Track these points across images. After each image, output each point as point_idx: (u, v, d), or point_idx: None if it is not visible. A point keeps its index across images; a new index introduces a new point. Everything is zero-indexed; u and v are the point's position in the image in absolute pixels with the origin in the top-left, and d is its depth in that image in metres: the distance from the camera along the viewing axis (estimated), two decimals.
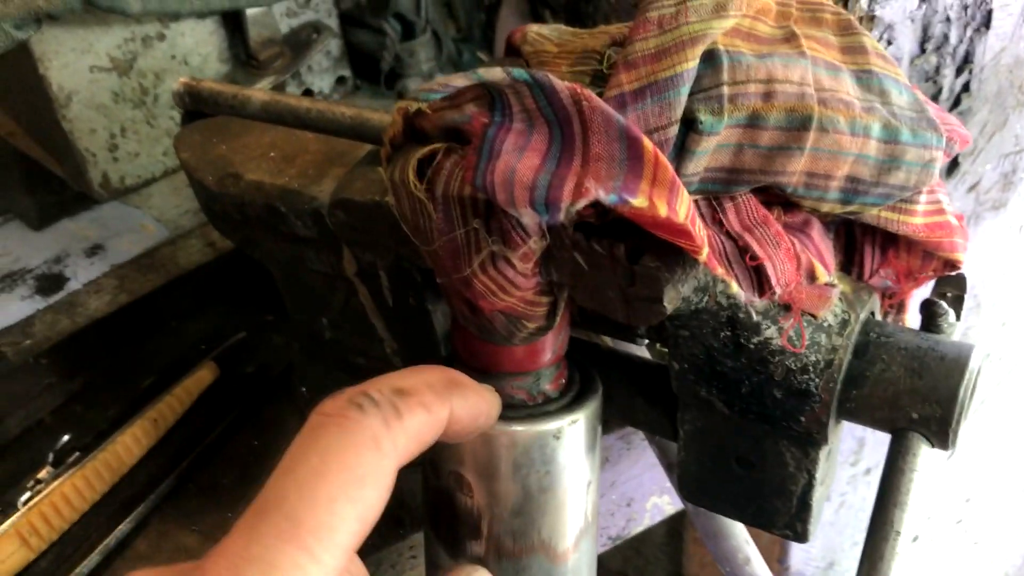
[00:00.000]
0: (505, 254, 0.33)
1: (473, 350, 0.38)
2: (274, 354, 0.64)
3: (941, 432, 0.36)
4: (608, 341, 0.48)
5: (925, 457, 0.36)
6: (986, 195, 0.66)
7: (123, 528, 0.53)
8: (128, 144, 0.63)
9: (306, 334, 0.53)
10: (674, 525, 0.97)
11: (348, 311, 0.50)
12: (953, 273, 0.39)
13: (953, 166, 0.63)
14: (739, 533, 0.55)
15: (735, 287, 0.32)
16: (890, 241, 0.38)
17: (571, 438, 0.38)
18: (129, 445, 0.56)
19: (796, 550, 0.79)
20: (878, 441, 0.79)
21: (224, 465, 0.58)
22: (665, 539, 1.00)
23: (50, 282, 0.58)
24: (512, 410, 0.38)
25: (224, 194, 0.48)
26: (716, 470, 0.43)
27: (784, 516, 0.42)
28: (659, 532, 1.01)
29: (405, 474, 0.52)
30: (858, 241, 0.38)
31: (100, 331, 0.59)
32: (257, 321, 0.66)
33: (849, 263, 0.39)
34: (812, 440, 0.38)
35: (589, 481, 0.40)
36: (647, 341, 0.45)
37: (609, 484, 0.60)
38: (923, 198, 0.36)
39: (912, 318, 0.40)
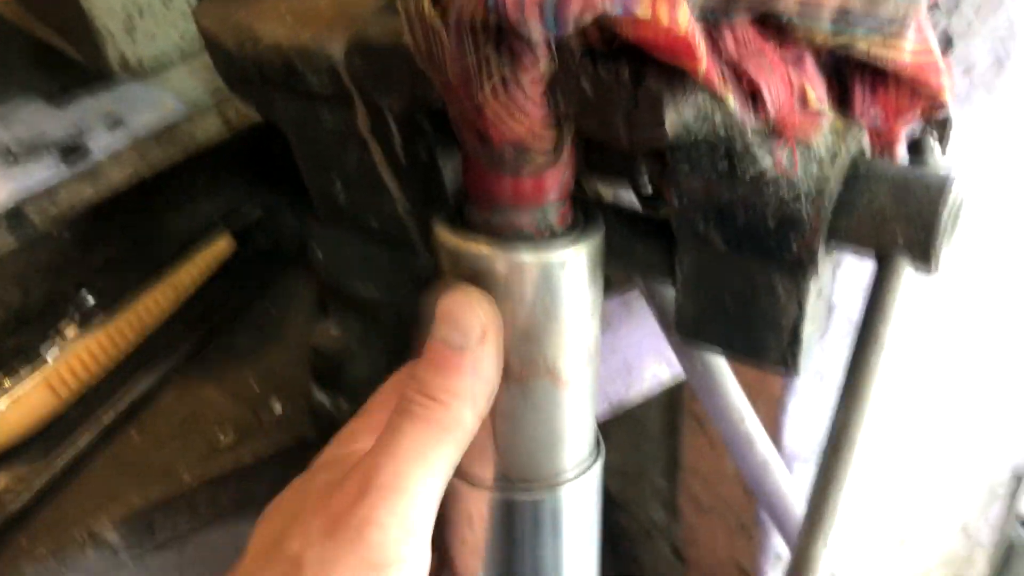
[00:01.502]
0: (515, 78, 0.35)
1: (484, 185, 0.41)
2: (289, 232, 0.66)
3: (924, 254, 0.38)
4: (608, 195, 0.50)
5: (908, 279, 0.39)
6: (980, 77, 0.68)
7: (147, 382, 0.56)
8: (145, 25, 0.65)
9: (321, 198, 0.55)
10: (671, 418, 1.01)
11: (361, 171, 0.52)
12: (940, 115, 0.41)
13: (947, 46, 0.64)
14: (734, 390, 0.58)
15: (731, 102, 0.34)
16: (879, 80, 0.40)
17: (575, 268, 0.41)
18: (150, 308, 0.58)
19: (788, 430, 0.82)
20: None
21: (242, 330, 0.60)
22: (661, 432, 1.03)
23: (73, 152, 0.60)
24: (521, 242, 0.41)
25: (244, 57, 0.50)
26: (712, 308, 0.45)
27: (777, 350, 0.45)
28: (655, 428, 1.04)
29: (415, 329, 0.55)
30: (849, 80, 0.40)
31: (122, 203, 0.61)
32: (272, 202, 0.68)
33: (840, 103, 0.41)
34: (803, 269, 0.41)
35: (592, 313, 0.43)
36: (649, 190, 0.47)
37: (610, 350, 0.63)
38: (911, 35, 0.38)
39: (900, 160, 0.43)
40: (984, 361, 0.96)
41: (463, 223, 0.42)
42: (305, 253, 0.65)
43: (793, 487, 0.61)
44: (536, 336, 0.41)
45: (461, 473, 0.44)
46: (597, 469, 0.46)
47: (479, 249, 0.40)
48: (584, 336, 0.42)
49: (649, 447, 1.06)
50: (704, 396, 0.58)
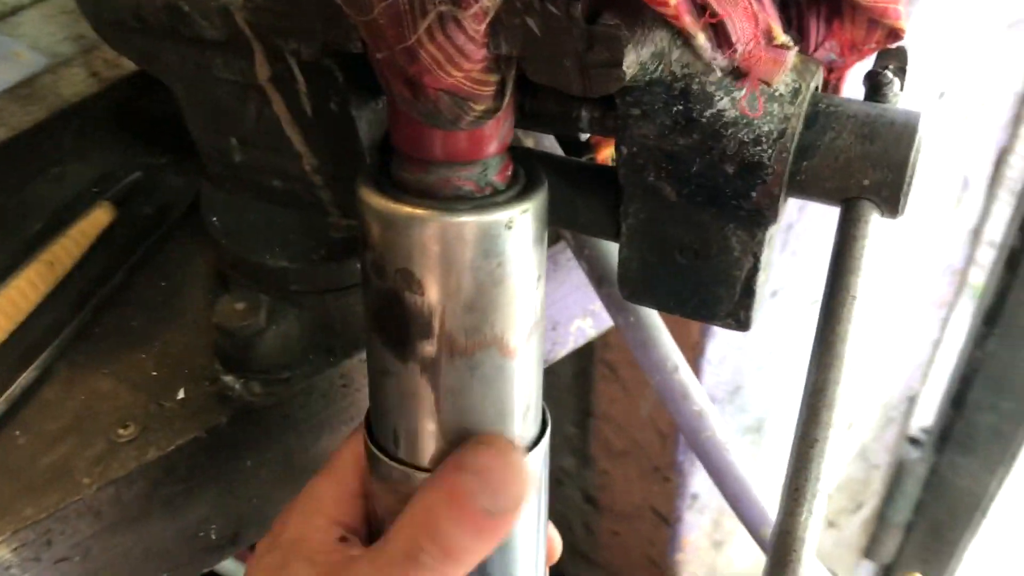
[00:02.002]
0: (455, 14, 0.30)
1: (416, 139, 0.36)
2: (174, 195, 0.60)
3: (892, 197, 0.36)
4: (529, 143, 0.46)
5: (875, 224, 0.36)
6: None
7: (28, 375, 0.49)
8: None
9: (215, 158, 0.49)
10: (582, 365, 0.99)
11: (261, 126, 0.46)
12: (895, 45, 0.39)
13: None
14: (667, 342, 0.56)
15: (702, 40, 0.31)
16: (835, 12, 0.38)
17: (522, 228, 0.37)
18: (25, 290, 0.52)
19: (707, 374, 0.81)
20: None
21: (132, 307, 0.54)
22: (572, 380, 1.02)
23: None
24: (461, 202, 0.36)
25: None
26: (659, 264, 0.42)
27: (727, 304, 0.43)
28: (567, 374, 1.02)
29: (332, 300, 0.50)
30: (804, 13, 0.38)
31: None
32: (152, 163, 0.62)
33: (795, 38, 0.38)
34: (761, 219, 0.38)
35: (539, 276, 0.39)
36: (586, 137, 0.43)
37: None
38: None
39: (851, 95, 0.40)
40: (880, 287, 0.97)
41: (391, 184, 0.38)
42: (195, 219, 0.59)
43: (729, 436, 0.59)
44: (481, 305, 0.37)
45: (401, 458, 0.40)
46: (545, 443, 0.43)
47: (414, 213, 0.36)
48: (531, 301, 0.39)
49: (560, 396, 1.05)
50: (637, 349, 0.56)
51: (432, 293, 0.36)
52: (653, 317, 0.55)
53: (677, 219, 0.40)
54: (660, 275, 0.43)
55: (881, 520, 1.47)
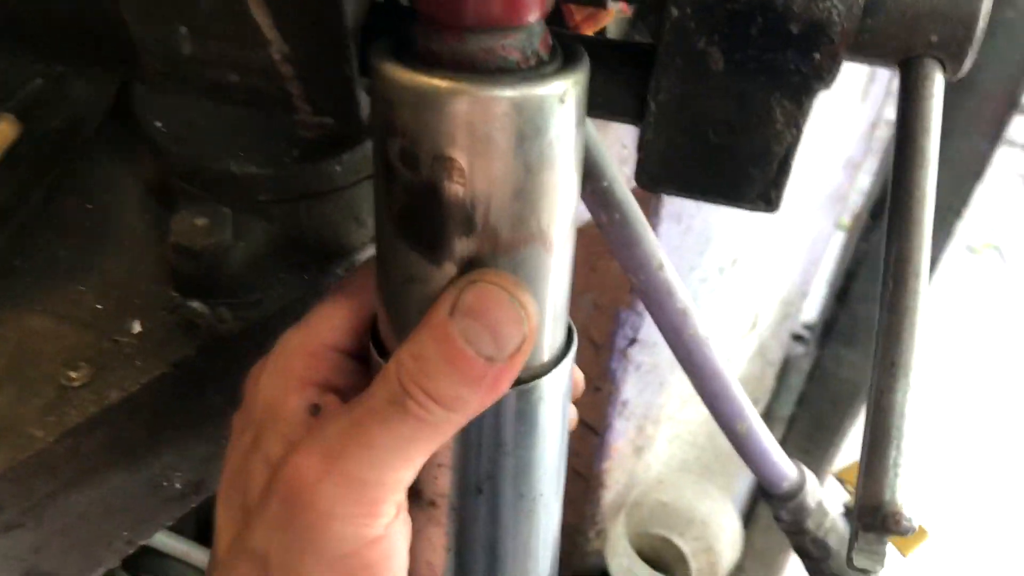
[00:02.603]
0: None
1: (454, 1, 0.31)
2: (82, 106, 0.52)
3: (958, 54, 0.34)
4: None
5: (940, 84, 0.34)
6: None
7: None
8: None
9: (156, 53, 0.42)
10: None
11: (219, 9, 0.40)
12: None
13: None
14: (652, 239, 0.53)
15: None
16: None
17: (573, 103, 0.33)
18: None
19: None
20: None
21: (55, 234, 0.47)
22: None
23: None
24: (508, 74, 0.32)
25: None
26: (687, 145, 0.39)
27: (759, 185, 0.40)
28: None
29: (306, 208, 0.45)
30: None
31: None
32: (45, 72, 0.53)
33: None
34: (813, 85, 0.36)
35: (579, 161, 0.35)
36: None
37: None
38: None
39: None
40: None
41: (416, 58, 0.32)
42: (112, 131, 0.51)
43: (710, 333, 0.58)
44: (529, 193, 0.33)
45: None
46: (573, 352, 0.39)
47: (459, 88, 0.31)
48: (574, 188, 0.35)
49: None
50: (621, 248, 0.53)
51: (477, 181, 0.32)
52: (638, 214, 0.52)
53: (717, 92, 0.37)
54: (687, 157, 0.40)
55: (767, 415, 1.52)
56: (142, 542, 0.47)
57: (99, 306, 0.44)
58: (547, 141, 0.32)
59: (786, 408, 1.50)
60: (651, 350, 0.91)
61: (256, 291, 0.44)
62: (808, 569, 0.74)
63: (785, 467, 0.65)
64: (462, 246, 0.33)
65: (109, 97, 0.51)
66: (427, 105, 0.31)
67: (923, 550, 0.70)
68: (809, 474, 0.68)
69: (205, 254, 0.42)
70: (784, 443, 1.60)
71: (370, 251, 0.47)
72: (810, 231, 1.07)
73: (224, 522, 0.37)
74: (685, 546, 1.27)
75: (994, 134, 1.05)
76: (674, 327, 0.56)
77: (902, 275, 0.33)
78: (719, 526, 1.27)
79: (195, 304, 0.43)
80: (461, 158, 0.32)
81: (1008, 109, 1.01)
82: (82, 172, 0.49)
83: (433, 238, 0.33)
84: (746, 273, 0.96)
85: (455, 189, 0.32)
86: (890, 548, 0.72)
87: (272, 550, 0.34)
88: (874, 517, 0.31)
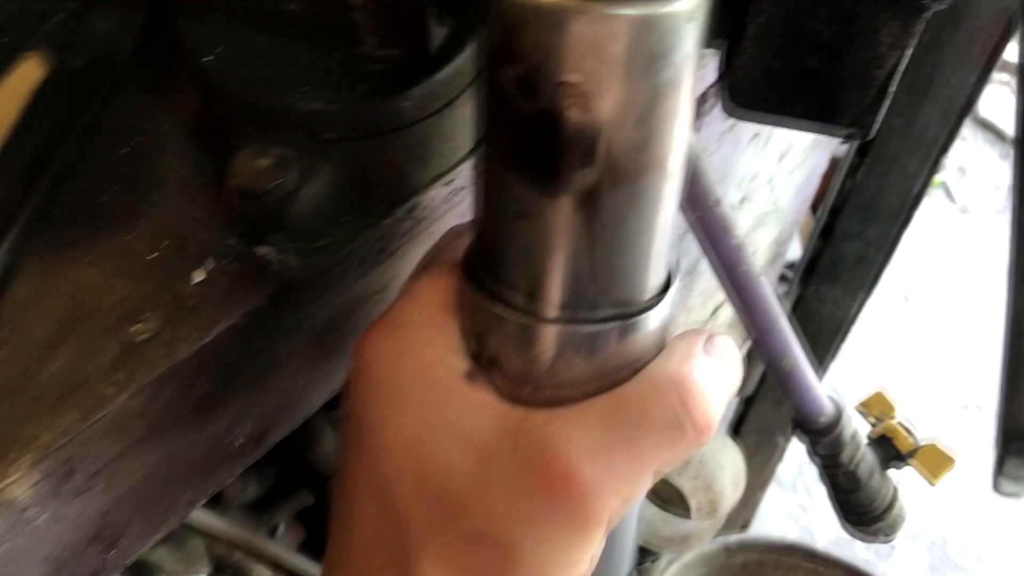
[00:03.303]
0: None
1: None
2: (106, 43, 0.48)
3: None
4: None
5: None
6: None
7: None
8: None
9: None
10: None
11: None
12: None
13: None
14: (709, 175, 0.52)
15: None
16: None
17: (700, 22, 0.31)
18: None
19: None
20: None
21: (94, 180, 0.44)
22: None
23: None
24: None
25: None
26: (784, 67, 0.38)
27: (855, 110, 0.39)
28: None
29: (372, 148, 0.42)
30: None
31: None
32: (51, 9, 0.50)
33: None
34: (925, 4, 0.34)
35: (695, 84, 0.34)
36: None
37: None
38: None
39: None
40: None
41: None
42: (142, 69, 0.48)
43: (759, 268, 0.57)
44: (653, 119, 0.31)
45: (534, 311, 0.35)
46: (676, 288, 0.38)
47: (589, 7, 0.29)
48: (691, 113, 0.33)
49: None
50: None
51: (603, 107, 0.30)
52: (695, 148, 0.51)
53: (821, 13, 0.35)
54: (781, 82, 0.38)
55: (749, 355, 1.53)
56: (203, 502, 0.45)
57: (151, 256, 0.41)
58: (675, 62, 0.30)
59: None
60: None
61: (322, 236, 0.42)
62: (836, 500, 0.75)
63: (824, 402, 0.65)
64: (580, 177, 0.31)
65: (134, 34, 0.48)
66: (550, 27, 0.29)
67: (951, 477, 0.71)
68: (844, 407, 0.68)
69: (271, 196, 0.39)
70: (762, 383, 1.62)
71: (433, 192, 0.45)
72: (805, 168, 1.07)
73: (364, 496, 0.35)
74: (683, 484, 1.28)
75: (985, 65, 1.05)
76: (728, 263, 0.55)
77: None
78: (718, 464, 1.28)
79: (264, 250, 0.40)
80: (588, 83, 0.30)
81: (1000, 41, 1.02)
82: (114, 114, 0.46)
83: (550, 171, 0.31)
84: (751, 213, 0.95)
85: (578, 117, 0.30)
86: (917, 476, 0.72)
87: (519, 537, 0.33)
88: (1021, 442, 0.31)
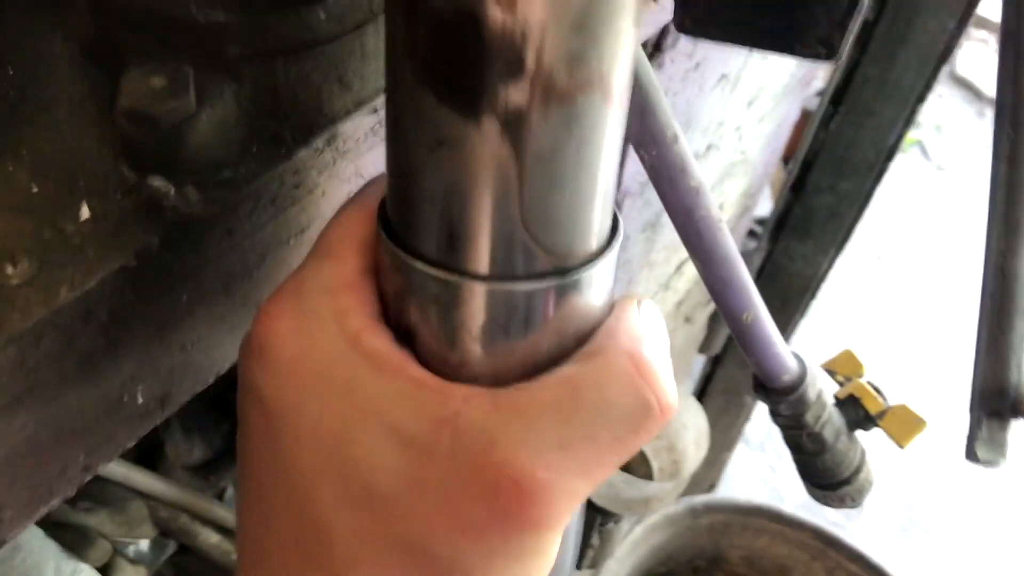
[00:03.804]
0: None
1: None
2: None
3: None
4: None
5: None
6: None
7: None
8: None
9: None
10: None
11: None
12: None
13: None
14: (667, 108, 0.47)
15: None
16: None
17: None
18: None
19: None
20: None
21: None
22: None
23: None
24: None
25: None
26: None
27: (822, 27, 0.35)
28: None
29: (284, 66, 0.38)
30: None
31: None
32: None
33: None
34: None
35: None
36: None
37: None
38: None
39: None
40: (756, 65, 0.93)
41: None
42: None
43: (719, 213, 0.53)
44: (592, 22, 0.27)
45: (451, 264, 0.30)
46: (619, 242, 0.33)
47: None
48: (637, 23, 0.29)
49: None
50: (634, 116, 0.47)
51: (530, 5, 0.25)
52: (650, 76, 0.47)
53: None
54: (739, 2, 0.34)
55: (717, 314, 1.50)
56: (103, 467, 0.41)
57: (35, 188, 0.36)
58: None
59: None
60: (623, 244, 0.86)
61: (226, 167, 0.37)
62: (800, 464, 0.72)
63: (787, 359, 0.62)
64: (507, 95, 0.27)
65: None
66: None
67: (921, 440, 0.67)
68: (809, 365, 0.65)
69: (165, 121, 0.34)
70: (729, 344, 1.59)
71: (355, 120, 0.40)
72: (775, 116, 1.02)
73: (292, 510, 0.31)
74: (646, 446, 1.25)
75: (963, 13, 1.01)
76: (685, 207, 0.51)
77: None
78: (681, 424, 1.25)
79: (157, 182, 0.35)
80: None
81: None
82: None
83: (471, 85, 0.27)
84: (718, 163, 0.91)
85: (502, 17, 0.25)
86: (887, 439, 0.69)
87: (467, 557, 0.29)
88: (1000, 401, 0.27)
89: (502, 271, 0.30)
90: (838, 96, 1.15)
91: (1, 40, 0.41)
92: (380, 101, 0.40)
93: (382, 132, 0.42)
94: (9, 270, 0.34)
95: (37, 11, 0.41)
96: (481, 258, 0.30)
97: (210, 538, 1.00)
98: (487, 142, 0.27)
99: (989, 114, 3.31)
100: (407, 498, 0.29)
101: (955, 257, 2.82)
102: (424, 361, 0.31)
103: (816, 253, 1.35)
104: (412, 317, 0.31)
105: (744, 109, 0.87)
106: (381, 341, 0.31)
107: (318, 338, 0.31)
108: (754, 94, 0.87)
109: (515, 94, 0.27)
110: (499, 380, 0.31)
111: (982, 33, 2.74)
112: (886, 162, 1.18)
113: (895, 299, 2.75)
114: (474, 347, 0.31)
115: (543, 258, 0.30)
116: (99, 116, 0.38)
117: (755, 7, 0.34)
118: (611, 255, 0.32)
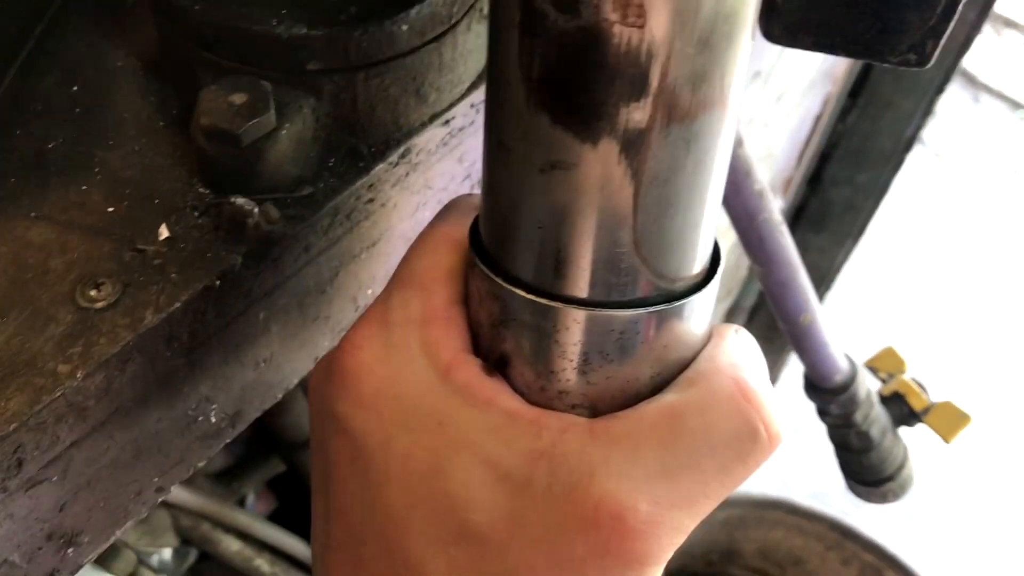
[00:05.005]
0: None
1: None
2: None
3: None
4: None
5: None
6: None
7: None
8: None
9: None
10: None
11: None
12: None
13: None
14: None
15: None
16: None
17: None
18: None
19: None
20: None
21: (39, 123, 0.38)
22: None
23: None
24: None
25: None
26: None
27: (914, 34, 0.33)
28: None
29: (364, 80, 0.37)
30: None
31: None
32: None
33: None
34: None
35: None
36: None
37: None
38: None
39: None
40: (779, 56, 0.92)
41: None
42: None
43: (780, 216, 0.52)
44: (717, 38, 0.26)
45: (555, 291, 0.29)
46: (721, 269, 0.33)
47: None
48: (752, 42, 0.28)
49: None
50: None
51: (658, 22, 0.25)
52: None
53: None
54: (832, 7, 0.33)
55: (732, 310, 1.49)
56: (172, 488, 0.40)
57: (110, 209, 0.36)
58: None
59: (749, 298, 1.47)
60: None
61: (305, 183, 0.37)
62: (844, 461, 0.71)
63: (840, 359, 0.61)
64: (629, 115, 0.26)
65: None
66: None
67: (967, 435, 0.67)
68: (859, 365, 0.64)
69: (245, 139, 0.34)
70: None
71: (429, 132, 0.40)
72: (800, 111, 1.02)
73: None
74: None
75: (984, 4, 1.01)
76: (748, 211, 0.50)
77: None
78: None
79: (239, 201, 0.35)
80: None
81: None
82: (58, 49, 0.40)
83: (590, 106, 0.26)
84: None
85: (627, 36, 0.25)
86: (932, 434, 0.68)
87: None
88: None
89: (605, 296, 0.29)
90: (856, 89, 1.14)
91: (67, 58, 0.40)
92: (454, 111, 0.40)
93: (452, 143, 0.41)
94: (92, 294, 0.33)
95: (101, 28, 0.40)
96: (585, 283, 0.29)
97: (231, 545, 0.99)
98: (604, 164, 0.27)
99: (985, 100, 3.32)
100: (503, 534, 0.28)
101: (953, 245, 2.83)
102: (518, 391, 0.31)
103: (832, 245, 1.35)
104: (507, 345, 0.30)
105: (773, 104, 0.87)
106: (472, 373, 0.30)
107: (407, 371, 0.30)
108: (783, 89, 0.87)
109: (636, 114, 0.26)
110: (597, 410, 0.30)
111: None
112: (904, 153, 1.17)
113: (894, 288, 2.76)
114: (572, 375, 0.30)
115: (649, 283, 0.29)
116: (169, 133, 0.38)
117: (847, 14, 0.33)
118: (715, 281, 0.31)
